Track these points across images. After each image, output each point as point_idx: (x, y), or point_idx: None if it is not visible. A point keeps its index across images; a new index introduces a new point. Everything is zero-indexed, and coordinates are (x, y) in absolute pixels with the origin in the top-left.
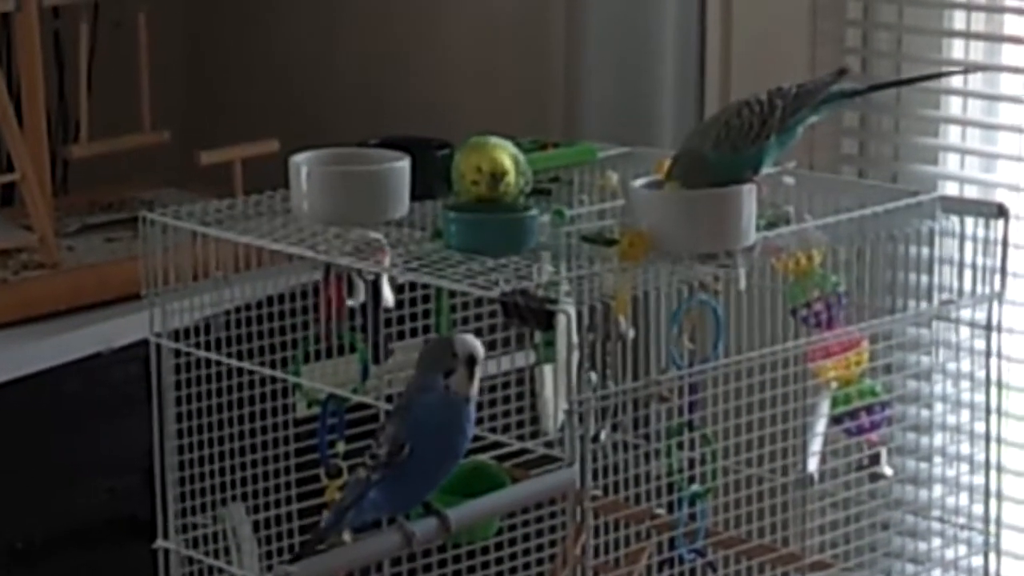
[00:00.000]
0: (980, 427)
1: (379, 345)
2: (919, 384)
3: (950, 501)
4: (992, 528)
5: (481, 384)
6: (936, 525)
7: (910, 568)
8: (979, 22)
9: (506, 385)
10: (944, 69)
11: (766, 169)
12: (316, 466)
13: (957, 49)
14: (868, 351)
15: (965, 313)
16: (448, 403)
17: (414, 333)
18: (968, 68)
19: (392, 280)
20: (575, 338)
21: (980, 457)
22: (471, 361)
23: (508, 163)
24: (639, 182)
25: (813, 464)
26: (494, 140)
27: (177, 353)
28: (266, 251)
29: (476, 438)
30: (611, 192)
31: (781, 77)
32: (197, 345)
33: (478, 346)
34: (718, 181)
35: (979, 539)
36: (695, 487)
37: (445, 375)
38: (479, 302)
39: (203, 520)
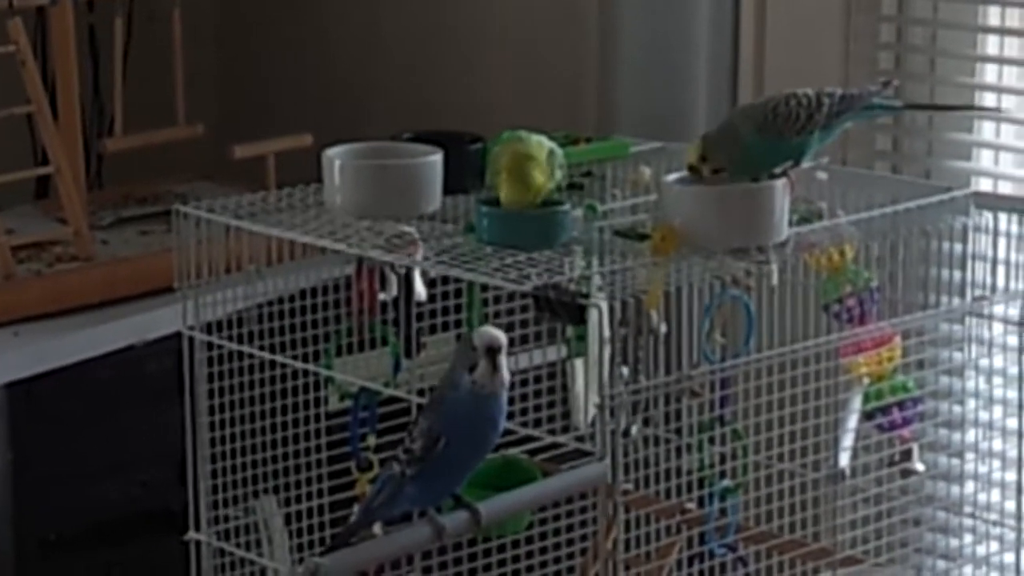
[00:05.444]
0: (1012, 423)
1: (411, 339)
2: (951, 380)
3: (982, 497)
4: None
5: (512, 378)
6: (968, 521)
7: (941, 564)
8: (1014, 18)
9: (537, 379)
10: (977, 104)
11: (804, 163)
12: (347, 459)
13: (992, 46)
14: (900, 347)
15: (998, 309)
16: (475, 397)
17: (446, 327)
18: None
19: (424, 274)
20: (607, 332)
21: (1012, 453)
22: (491, 352)
23: (541, 180)
24: (671, 177)
25: (845, 460)
26: (532, 137)
27: (210, 346)
28: (299, 244)
29: (507, 432)
30: (644, 187)
31: (815, 72)
32: (230, 338)
33: (497, 335)
34: (757, 166)
35: (1011, 535)
36: (726, 482)
37: (470, 370)
38: (511, 296)
39: (235, 512)
